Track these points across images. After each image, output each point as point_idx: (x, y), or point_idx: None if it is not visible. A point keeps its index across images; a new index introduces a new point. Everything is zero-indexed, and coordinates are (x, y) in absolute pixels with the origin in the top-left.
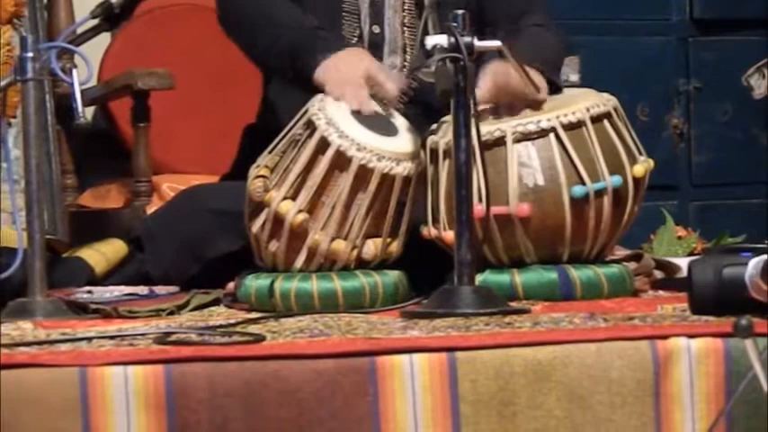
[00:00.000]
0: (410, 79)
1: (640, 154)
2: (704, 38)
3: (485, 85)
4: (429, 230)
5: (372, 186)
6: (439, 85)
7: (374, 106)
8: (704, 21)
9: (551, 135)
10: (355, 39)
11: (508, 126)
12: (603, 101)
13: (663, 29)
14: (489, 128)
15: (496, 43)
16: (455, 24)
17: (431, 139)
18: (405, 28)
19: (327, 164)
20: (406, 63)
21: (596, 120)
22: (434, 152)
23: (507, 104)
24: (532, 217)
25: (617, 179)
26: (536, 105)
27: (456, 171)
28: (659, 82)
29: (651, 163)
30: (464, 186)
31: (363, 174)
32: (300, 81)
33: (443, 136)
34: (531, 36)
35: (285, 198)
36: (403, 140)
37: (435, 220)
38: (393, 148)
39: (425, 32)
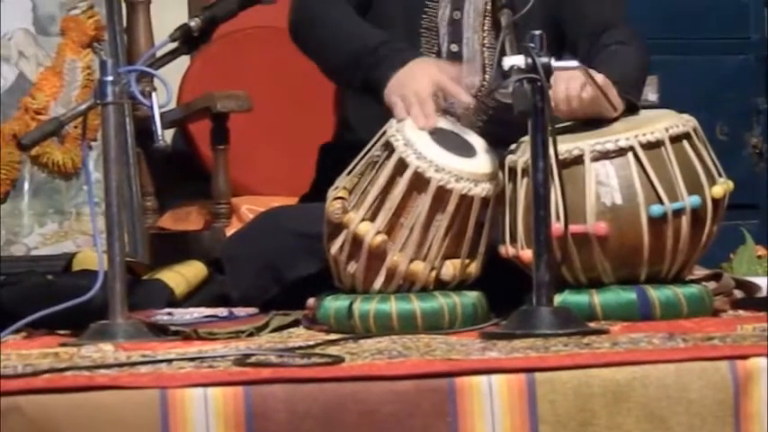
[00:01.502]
0: (488, 98)
1: (720, 175)
2: None
3: (563, 103)
4: (507, 249)
5: (451, 207)
6: (516, 105)
7: (441, 122)
8: None
9: (630, 154)
10: (433, 56)
11: (586, 144)
12: (683, 121)
13: (741, 48)
14: (568, 146)
15: (574, 64)
16: (532, 45)
17: (509, 158)
18: (484, 48)
19: (406, 185)
20: (485, 83)
21: (675, 140)
22: (513, 171)
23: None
24: (610, 236)
25: (695, 199)
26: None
27: (534, 192)
28: (738, 101)
29: (731, 184)
30: (542, 207)
31: (442, 195)
32: (372, 95)
33: (522, 155)
34: (612, 55)
35: (364, 219)
36: (481, 161)
37: (513, 239)
38: (471, 169)
39: (503, 53)
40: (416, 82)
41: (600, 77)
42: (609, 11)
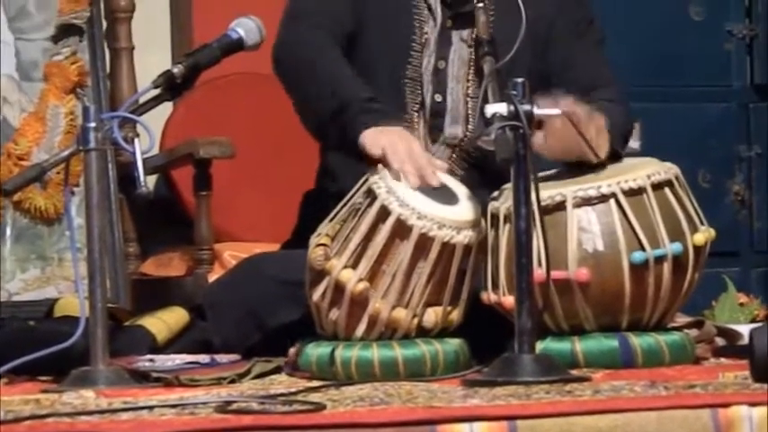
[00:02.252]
0: (471, 147)
1: (702, 223)
2: (765, 104)
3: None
4: (489, 296)
5: (433, 255)
6: (499, 153)
7: (437, 174)
8: (764, 87)
9: (612, 201)
10: (416, 107)
11: (569, 191)
12: (665, 169)
13: (723, 95)
14: (550, 192)
15: (556, 111)
16: (515, 92)
17: (492, 205)
18: (468, 98)
19: (388, 232)
20: (467, 133)
21: (657, 187)
22: (495, 217)
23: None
24: (591, 282)
25: (677, 246)
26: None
27: (516, 239)
28: (720, 148)
29: (712, 232)
30: (524, 254)
31: (424, 242)
32: (348, 145)
33: (504, 201)
34: (599, 107)
35: (346, 267)
36: (463, 209)
37: (495, 285)
38: (454, 217)
39: (485, 101)
40: (400, 137)
41: (600, 120)
42: (598, 70)
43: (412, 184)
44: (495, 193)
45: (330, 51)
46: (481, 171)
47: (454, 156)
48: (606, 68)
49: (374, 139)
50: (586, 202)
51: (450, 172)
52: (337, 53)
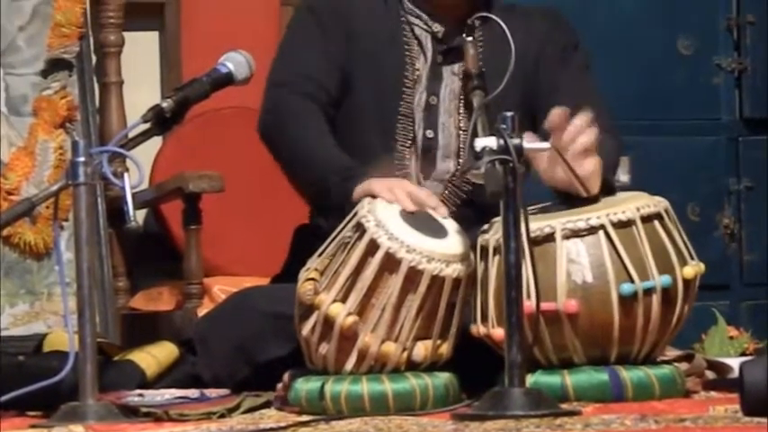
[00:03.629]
0: (461, 181)
1: (692, 257)
2: (754, 137)
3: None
4: (478, 328)
5: (422, 288)
6: (488, 187)
7: (425, 197)
8: (754, 120)
9: (601, 232)
10: (408, 143)
11: (558, 222)
12: (654, 202)
13: (713, 128)
14: (539, 224)
15: (546, 145)
16: (504, 126)
17: (482, 237)
18: (460, 132)
19: (377, 266)
20: (459, 167)
21: (646, 219)
22: (485, 249)
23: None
24: (580, 314)
25: (666, 279)
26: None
27: (506, 272)
28: (710, 182)
29: (702, 267)
30: (514, 288)
31: (413, 276)
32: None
33: (494, 233)
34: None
35: (335, 301)
36: (452, 242)
37: (484, 318)
38: (443, 250)
39: (475, 134)
40: (392, 181)
41: (595, 158)
42: (584, 94)
43: (407, 207)
44: (486, 227)
45: (311, 123)
46: (474, 207)
47: (447, 192)
48: (593, 92)
49: (366, 187)
50: (575, 233)
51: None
52: (317, 123)
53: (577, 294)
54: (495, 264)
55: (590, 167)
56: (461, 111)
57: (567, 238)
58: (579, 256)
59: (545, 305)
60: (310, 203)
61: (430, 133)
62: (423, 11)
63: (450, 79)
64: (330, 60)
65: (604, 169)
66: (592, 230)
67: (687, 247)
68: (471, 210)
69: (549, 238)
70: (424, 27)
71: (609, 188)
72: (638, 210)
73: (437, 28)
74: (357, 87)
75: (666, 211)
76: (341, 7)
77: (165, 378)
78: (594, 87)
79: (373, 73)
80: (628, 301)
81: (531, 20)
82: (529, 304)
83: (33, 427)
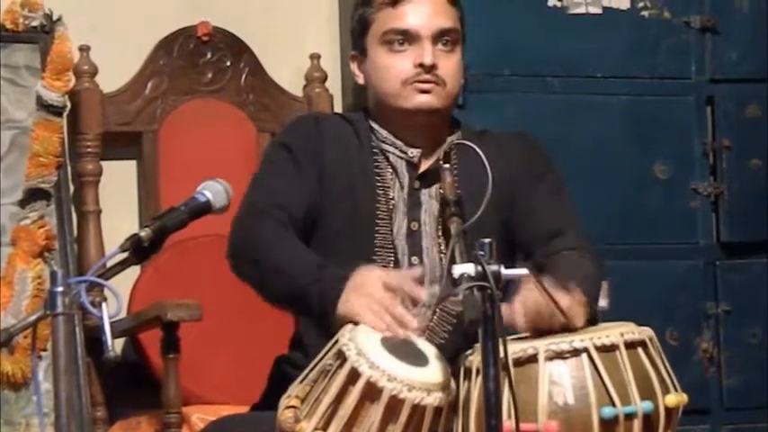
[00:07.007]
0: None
1: (675, 388)
2: (731, 261)
3: (519, 318)
4: None
5: (403, 418)
6: (467, 314)
7: (403, 281)
8: (731, 244)
9: (584, 355)
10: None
11: (541, 344)
12: (639, 330)
13: (690, 253)
14: (523, 345)
15: (524, 272)
16: (482, 253)
17: (467, 360)
18: (441, 255)
19: (358, 394)
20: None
21: (630, 346)
22: (468, 370)
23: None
24: None
25: (648, 405)
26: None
27: (485, 399)
28: (688, 306)
29: (685, 397)
30: (494, 415)
31: (394, 405)
32: (323, 323)
33: (478, 355)
34: (565, 264)
35: (316, 429)
36: (433, 370)
37: None
38: (423, 379)
39: (453, 261)
40: (371, 290)
41: (578, 295)
42: (558, 215)
43: (389, 332)
44: (469, 351)
45: (282, 234)
46: (464, 334)
47: (435, 318)
48: (568, 213)
49: (349, 309)
50: (558, 355)
51: (432, 336)
52: (283, 237)
53: (558, 416)
54: (477, 384)
55: (576, 296)
56: (440, 233)
57: (550, 359)
58: (562, 378)
59: (525, 426)
60: (290, 311)
61: (415, 260)
62: (397, 137)
63: (429, 203)
64: (302, 194)
65: (589, 303)
66: (575, 353)
67: (670, 377)
68: (463, 338)
69: (532, 359)
70: (399, 154)
71: (593, 320)
72: (622, 335)
73: (412, 153)
74: (329, 224)
75: (651, 339)
76: (314, 145)
77: None
78: (570, 208)
79: (345, 209)
80: (609, 425)
81: (503, 145)
82: (509, 425)
83: None
